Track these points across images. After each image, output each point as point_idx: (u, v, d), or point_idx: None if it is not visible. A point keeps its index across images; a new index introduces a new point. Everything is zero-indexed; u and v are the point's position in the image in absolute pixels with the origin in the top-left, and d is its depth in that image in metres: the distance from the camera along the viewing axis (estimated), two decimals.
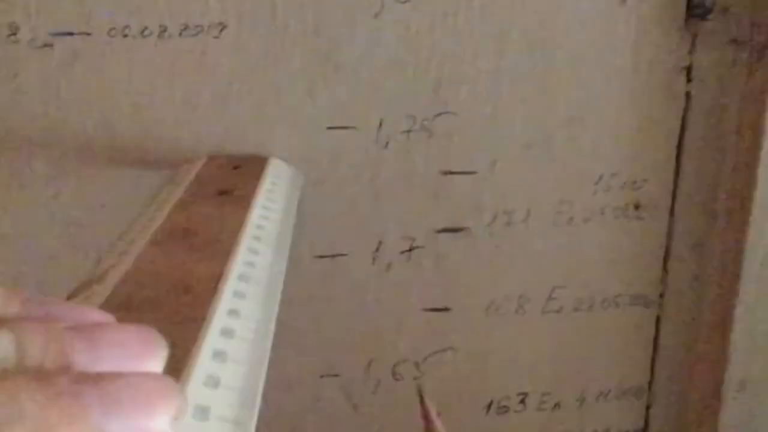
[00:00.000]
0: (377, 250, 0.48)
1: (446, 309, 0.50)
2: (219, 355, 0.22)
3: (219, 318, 0.24)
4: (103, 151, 0.43)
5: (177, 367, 0.20)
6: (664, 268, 0.51)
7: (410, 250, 0.48)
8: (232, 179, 0.39)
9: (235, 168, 0.41)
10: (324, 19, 0.43)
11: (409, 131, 0.46)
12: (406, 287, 0.49)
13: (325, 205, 0.47)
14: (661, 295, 0.51)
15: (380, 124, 0.46)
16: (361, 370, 0.50)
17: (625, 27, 0.46)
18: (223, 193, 0.36)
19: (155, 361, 0.18)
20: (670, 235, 0.51)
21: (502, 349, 0.51)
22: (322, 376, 0.50)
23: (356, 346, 0.50)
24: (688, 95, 0.48)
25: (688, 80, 0.48)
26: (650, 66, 0.47)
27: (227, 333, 0.23)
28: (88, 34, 0.42)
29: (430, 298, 0.50)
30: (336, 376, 0.50)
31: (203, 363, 0.21)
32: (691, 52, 0.47)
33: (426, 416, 0.42)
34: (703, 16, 0.46)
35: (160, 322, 0.22)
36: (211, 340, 0.22)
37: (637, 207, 0.50)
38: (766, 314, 0.49)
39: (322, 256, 0.47)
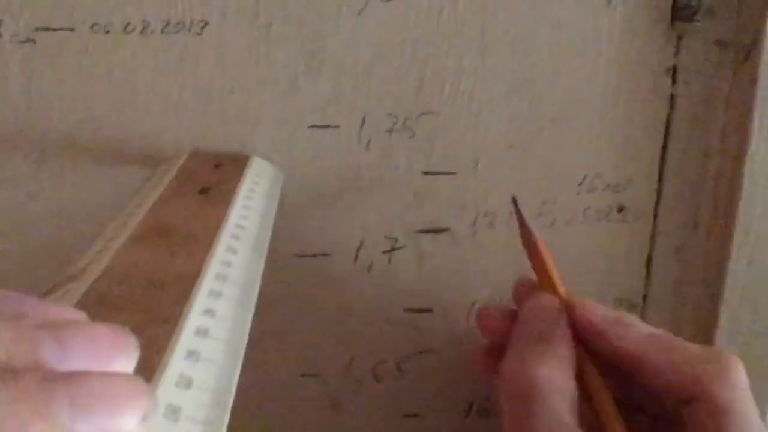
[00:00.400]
0: (359, 249, 0.48)
1: (428, 310, 0.50)
2: (192, 355, 0.21)
3: (194, 317, 0.23)
4: (84, 147, 0.43)
5: (149, 366, 0.20)
6: (647, 271, 0.51)
7: (392, 250, 0.48)
8: (213, 177, 0.39)
9: (217, 166, 0.41)
10: (307, 16, 0.43)
11: (391, 130, 0.46)
12: (388, 287, 0.49)
13: (306, 204, 0.46)
14: (644, 299, 0.51)
15: (362, 123, 0.45)
16: (341, 369, 0.50)
17: (610, 27, 0.46)
18: (203, 191, 0.36)
19: (126, 361, 0.18)
20: (653, 237, 0.51)
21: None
22: (302, 376, 0.50)
23: (337, 345, 0.50)
24: (672, 97, 0.48)
25: (673, 82, 0.48)
26: (635, 67, 0.47)
27: (201, 332, 0.23)
28: (71, 30, 0.41)
29: (412, 298, 0.50)
30: (316, 375, 0.50)
31: (176, 362, 0.21)
32: (676, 53, 0.47)
33: (522, 222, 0.44)
34: (688, 18, 0.46)
35: (135, 320, 0.22)
36: (185, 339, 0.22)
37: (620, 209, 0.50)
38: (749, 319, 0.49)
39: (303, 256, 0.47)
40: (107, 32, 0.41)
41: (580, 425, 0.35)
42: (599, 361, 0.39)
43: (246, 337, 0.24)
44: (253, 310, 0.26)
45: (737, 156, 0.47)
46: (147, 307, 0.24)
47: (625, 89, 0.47)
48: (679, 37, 0.47)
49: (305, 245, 0.47)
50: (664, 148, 0.49)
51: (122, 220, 0.31)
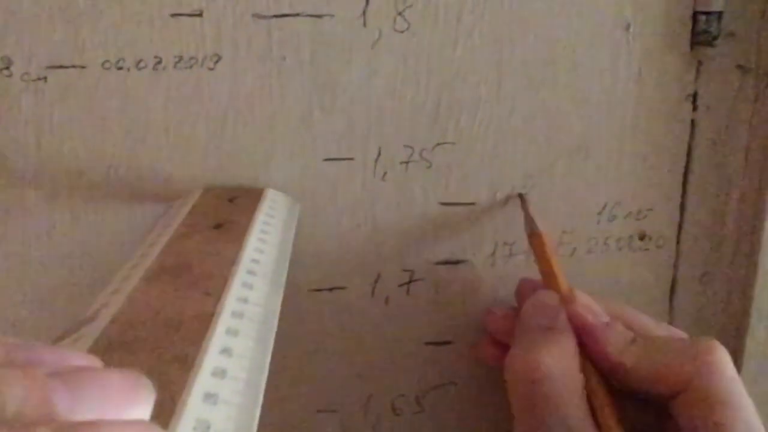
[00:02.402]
0: (376, 282, 0.47)
1: (447, 342, 0.49)
2: (210, 398, 0.21)
3: (210, 357, 0.23)
4: (97, 184, 0.42)
5: (165, 411, 0.19)
6: (671, 301, 0.50)
7: (409, 282, 0.47)
8: (228, 212, 0.38)
9: (231, 200, 0.40)
10: (320, 49, 0.43)
11: (407, 162, 0.45)
12: (406, 320, 0.48)
13: (322, 237, 0.46)
14: None
15: (378, 155, 0.45)
16: (360, 405, 0.49)
17: (629, 53, 0.46)
18: (218, 226, 0.35)
19: (141, 407, 0.17)
20: (676, 265, 0.50)
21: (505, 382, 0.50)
22: (319, 412, 0.49)
23: (355, 380, 0.49)
24: (693, 123, 0.47)
25: (694, 108, 0.47)
26: (654, 93, 0.46)
27: (219, 373, 0.22)
28: (83, 67, 0.41)
29: (431, 331, 0.49)
30: (334, 411, 0.49)
31: (193, 406, 0.20)
32: (696, 78, 0.47)
33: (527, 215, 0.45)
34: (708, 43, 0.46)
35: (150, 363, 0.21)
36: (202, 381, 0.21)
37: (642, 237, 0.49)
38: None
39: (319, 290, 0.47)
40: (119, 69, 0.41)
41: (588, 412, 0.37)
42: (592, 357, 0.40)
43: (265, 374, 0.23)
44: (271, 346, 0.26)
45: (760, 181, 0.46)
46: (162, 350, 0.23)
47: (644, 116, 0.47)
48: (700, 63, 0.46)
49: (321, 279, 0.46)
50: (686, 174, 0.48)
51: (136, 260, 0.31)
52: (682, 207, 0.49)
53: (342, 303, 0.47)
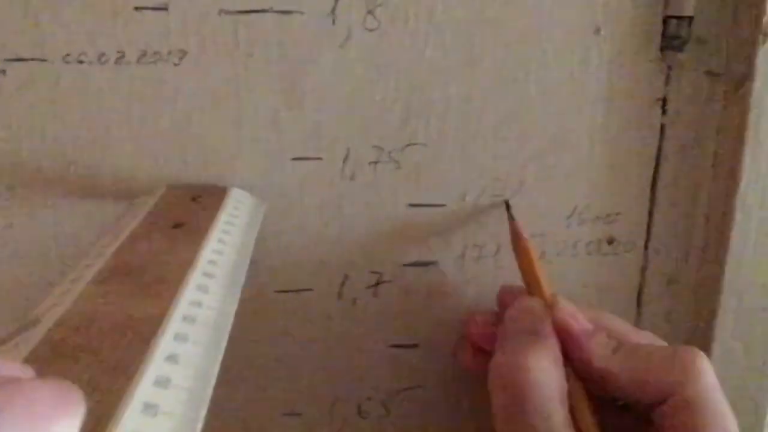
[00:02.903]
0: (343, 284, 0.47)
1: (415, 345, 0.49)
2: (150, 408, 0.20)
3: (154, 365, 0.22)
4: (56, 181, 0.42)
5: (101, 423, 0.18)
6: (639, 304, 0.50)
7: (377, 284, 0.47)
8: (189, 211, 0.37)
9: (194, 199, 0.40)
10: (288, 47, 0.42)
11: (376, 162, 0.45)
12: (373, 323, 0.48)
13: (288, 238, 0.45)
14: None
15: (346, 155, 0.44)
16: (325, 408, 0.49)
17: (599, 57, 0.45)
18: (177, 226, 0.35)
19: (70, 421, 0.16)
20: (644, 270, 0.49)
21: (472, 386, 0.50)
22: (284, 415, 0.48)
23: (320, 383, 0.48)
24: (662, 128, 0.47)
25: (663, 112, 0.47)
26: (624, 97, 0.46)
27: (162, 382, 0.21)
28: (43, 60, 0.40)
29: (398, 333, 0.48)
30: (299, 415, 0.49)
31: (131, 418, 0.19)
32: (666, 83, 0.46)
33: (516, 233, 0.45)
34: (678, 47, 0.45)
35: (90, 371, 0.21)
36: (143, 390, 0.21)
37: (610, 242, 0.49)
38: (742, 352, 0.48)
39: (285, 291, 0.46)
40: (80, 63, 0.40)
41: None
42: (575, 364, 0.40)
43: (212, 383, 0.23)
44: (222, 352, 0.25)
45: (729, 187, 0.46)
46: (104, 356, 0.22)
47: (614, 120, 0.46)
48: (669, 67, 0.46)
49: (287, 280, 0.46)
50: (655, 179, 0.48)
51: (89, 260, 0.30)
52: (651, 212, 0.48)
53: (308, 305, 0.47)
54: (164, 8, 0.40)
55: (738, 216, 0.46)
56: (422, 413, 0.50)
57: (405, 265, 0.47)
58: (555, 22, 0.44)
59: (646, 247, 0.49)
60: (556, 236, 0.48)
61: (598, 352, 0.39)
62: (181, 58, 0.41)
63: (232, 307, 0.28)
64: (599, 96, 0.46)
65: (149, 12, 0.40)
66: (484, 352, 0.44)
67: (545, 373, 0.37)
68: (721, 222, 0.47)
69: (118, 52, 0.40)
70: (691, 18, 0.45)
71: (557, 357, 0.39)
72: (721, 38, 0.46)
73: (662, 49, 0.46)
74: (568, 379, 0.39)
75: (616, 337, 0.40)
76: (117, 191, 0.42)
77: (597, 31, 0.45)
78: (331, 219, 0.45)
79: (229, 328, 0.27)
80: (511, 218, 0.46)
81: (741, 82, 0.45)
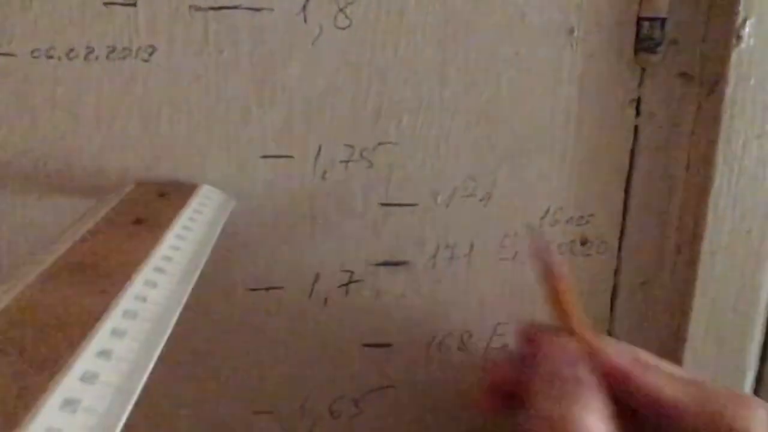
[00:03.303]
0: (314, 283, 0.47)
1: (386, 345, 0.49)
2: (70, 404, 0.20)
3: (84, 360, 0.22)
4: (24, 177, 0.42)
5: (16, 416, 0.18)
6: (612, 306, 0.50)
7: (348, 283, 0.47)
8: (154, 207, 0.37)
9: (162, 195, 0.40)
10: (259, 44, 0.42)
11: (347, 161, 0.45)
12: (345, 322, 0.48)
13: (259, 236, 0.45)
14: (609, 333, 0.50)
15: (318, 154, 0.44)
16: (297, 407, 0.49)
17: (572, 58, 0.45)
18: (138, 222, 0.35)
19: None
20: (617, 271, 0.49)
21: (444, 386, 0.50)
22: (255, 413, 0.48)
23: (292, 382, 0.48)
24: (636, 129, 0.47)
25: (637, 113, 0.47)
26: (598, 98, 0.46)
27: (89, 378, 0.21)
28: (11, 56, 0.40)
29: (370, 333, 0.48)
30: (270, 413, 0.48)
31: (47, 413, 0.19)
32: (640, 85, 0.46)
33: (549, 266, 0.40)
34: (652, 49, 0.45)
35: (16, 367, 0.21)
36: (67, 386, 0.20)
37: (584, 243, 0.48)
38: (714, 354, 0.48)
39: (256, 289, 0.46)
40: (49, 58, 0.40)
41: None
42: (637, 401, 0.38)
43: (143, 378, 0.23)
44: (160, 347, 0.25)
45: (702, 189, 0.46)
46: (34, 352, 0.22)
47: (587, 121, 0.46)
48: (643, 69, 0.46)
49: (258, 278, 0.46)
50: (628, 180, 0.48)
51: (41, 256, 0.30)
52: (624, 213, 0.48)
53: (279, 303, 0.47)
54: (133, 4, 0.40)
55: (711, 217, 0.46)
56: (394, 412, 0.50)
57: (377, 264, 0.47)
58: (528, 23, 0.44)
59: (619, 248, 0.49)
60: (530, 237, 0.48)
61: (668, 383, 0.37)
62: (150, 54, 0.41)
63: (180, 302, 0.28)
64: (572, 97, 0.46)
65: (118, 7, 0.40)
66: (505, 395, 0.41)
67: (595, 426, 0.35)
68: (694, 223, 0.47)
69: (87, 47, 0.40)
70: (664, 20, 0.45)
71: (604, 404, 0.36)
72: (695, 40, 0.46)
73: (636, 50, 0.45)
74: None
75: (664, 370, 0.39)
76: (86, 187, 0.42)
77: (570, 31, 0.45)
78: (302, 217, 0.45)
79: (173, 322, 0.27)
80: (543, 248, 0.42)
81: (714, 83, 0.45)
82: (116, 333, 0.24)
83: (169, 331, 0.26)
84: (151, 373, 0.45)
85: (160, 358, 0.45)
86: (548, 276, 0.40)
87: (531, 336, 0.41)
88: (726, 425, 0.35)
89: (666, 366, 0.39)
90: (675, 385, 0.37)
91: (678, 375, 0.38)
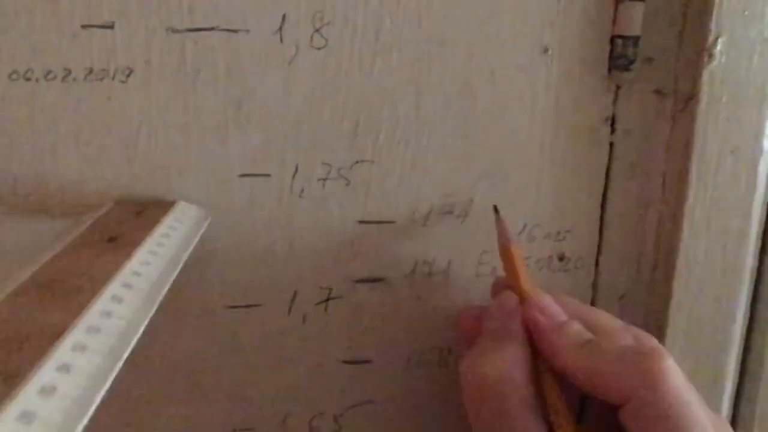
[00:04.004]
0: (293, 300, 0.47)
1: (366, 361, 0.49)
2: (26, 416, 0.20)
3: (42, 374, 0.22)
4: (4, 197, 0.42)
5: None
6: None
7: (327, 300, 0.47)
8: (130, 225, 0.38)
9: (138, 213, 0.40)
10: (236, 64, 0.42)
11: (325, 179, 0.45)
12: (324, 339, 0.48)
13: (237, 254, 0.45)
14: None
15: (295, 172, 0.45)
16: (276, 424, 0.49)
17: (547, 76, 0.46)
18: (111, 239, 0.35)
19: None
20: (595, 286, 0.50)
21: (424, 401, 0.50)
22: (235, 431, 0.48)
23: (271, 399, 0.48)
24: (611, 146, 0.48)
25: (612, 131, 0.47)
26: (573, 115, 0.47)
27: (47, 391, 0.22)
28: None
29: (349, 349, 0.48)
30: (250, 430, 0.49)
31: (4, 425, 0.20)
32: (614, 102, 0.47)
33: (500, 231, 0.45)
34: (625, 67, 0.46)
35: None
36: (24, 399, 0.21)
37: (561, 258, 0.49)
38: (691, 368, 0.48)
39: (234, 307, 0.46)
40: (27, 80, 0.40)
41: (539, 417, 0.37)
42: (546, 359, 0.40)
43: (102, 391, 0.23)
44: (122, 360, 0.25)
45: (677, 204, 0.47)
46: None
47: (563, 138, 0.47)
48: (618, 86, 0.47)
49: (237, 296, 0.46)
50: (604, 196, 0.48)
51: (15, 274, 0.30)
52: (601, 229, 0.49)
53: (258, 320, 0.47)
54: (111, 26, 0.41)
55: (686, 232, 0.47)
56: (374, 428, 0.50)
57: (355, 281, 0.47)
58: (503, 41, 0.45)
59: (597, 263, 0.49)
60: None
61: (565, 346, 0.38)
62: (128, 76, 0.42)
63: (146, 317, 0.28)
64: (548, 114, 0.46)
65: (96, 30, 0.41)
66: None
67: (504, 377, 0.37)
68: (669, 239, 0.47)
69: (65, 69, 0.41)
70: (638, 38, 0.45)
71: (520, 358, 0.39)
72: (668, 58, 0.46)
73: (610, 68, 0.46)
74: (541, 376, 0.39)
75: (595, 333, 0.40)
76: (65, 208, 0.42)
77: (545, 50, 0.45)
78: (280, 235, 0.46)
79: (136, 336, 0.27)
80: (498, 219, 0.46)
81: (688, 100, 0.46)
82: (77, 347, 0.24)
83: (133, 344, 0.26)
84: (131, 391, 0.45)
85: (139, 376, 0.45)
86: (506, 247, 0.44)
87: (495, 291, 0.45)
88: (624, 396, 0.35)
89: (580, 331, 0.40)
90: (572, 353, 0.38)
91: (585, 341, 0.39)
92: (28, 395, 0.21)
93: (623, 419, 0.35)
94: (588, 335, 0.39)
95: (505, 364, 0.38)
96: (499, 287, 0.45)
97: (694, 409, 0.35)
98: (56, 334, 0.24)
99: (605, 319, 0.42)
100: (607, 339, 0.39)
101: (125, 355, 0.25)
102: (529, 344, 0.40)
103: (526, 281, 0.43)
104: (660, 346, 0.38)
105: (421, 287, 0.48)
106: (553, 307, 0.41)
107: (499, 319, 0.41)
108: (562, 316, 0.40)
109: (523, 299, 0.41)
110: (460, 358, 0.42)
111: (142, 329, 0.27)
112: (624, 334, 0.40)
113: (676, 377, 0.35)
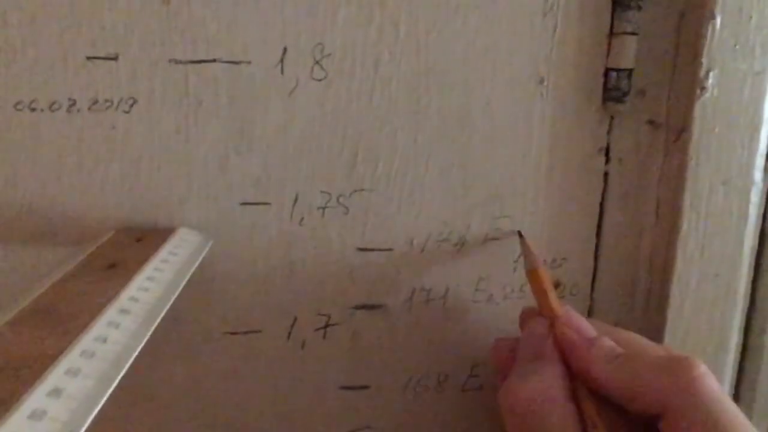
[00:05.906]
0: (292, 326, 0.48)
1: (364, 387, 0.49)
2: None
3: (33, 399, 0.23)
4: (8, 227, 0.43)
5: None
6: None
7: (326, 326, 0.48)
8: (130, 251, 0.39)
9: (139, 240, 0.41)
10: (237, 95, 0.43)
11: (324, 207, 0.46)
12: (322, 365, 0.48)
13: (237, 280, 0.46)
14: None
15: (295, 200, 0.46)
16: None
17: (542, 107, 0.47)
18: (111, 266, 0.36)
19: None
20: (590, 314, 0.50)
21: (421, 427, 0.50)
22: None
23: (271, 425, 0.49)
24: (606, 175, 0.48)
25: (606, 160, 0.48)
26: (568, 145, 0.47)
27: (37, 415, 0.22)
28: None
29: (347, 375, 0.49)
30: None
31: None
32: (608, 132, 0.48)
33: (529, 256, 0.46)
34: (619, 99, 0.47)
35: None
36: (14, 424, 0.22)
37: (557, 286, 0.49)
38: None
39: (234, 333, 0.47)
40: (32, 110, 0.41)
41: None
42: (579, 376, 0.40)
43: (92, 414, 0.24)
44: (114, 384, 0.26)
45: (670, 233, 0.47)
46: None
47: (558, 168, 0.47)
48: (612, 117, 0.47)
49: (236, 322, 0.47)
50: (599, 225, 0.49)
51: (15, 301, 0.31)
52: (596, 257, 0.49)
53: (257, 347, 0.48)
54: (115, 58, 0.42)
55: (679, 261, 0.47)
56: None
57: (354, 307, 0.48)
58: (499, 73, 0.46)
59: (592, 290, 0.50)
60: (503, 280, 0.49)
61: (597, 362, 0.39)
62: (131, 106, 0.43)
63: (140, 341, 0.29)
64: (543, 144, 0.47)
65: (100, 61, 0.42)
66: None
67: (544, 398, 0.38)
68: (663, 267, 0.48)
69: (69, 99, 0.42)
70: (631, 70, 0.46)
71: (557, 378, 0.39)
72: (661, 90, 0.47)
73: (604, 100, 0.47)
74: (578, 393, 0.39)
75: (626, 348, 0.40)
76: (68, 235, 0.43)
77: (541, 81, 0.46)
78: (279, 262, 0.46)
79: (129, 361, 0.28)
80: (523, 242, 0.47)
81: (680, 131, 0.46)
82: (70, 372, 0.25)
83: (126, 367, 0.27)
84: (129, 416, 0.46)
85: (140, 401, 0.46)
86: (532, 272, 0.45)
87: (523, 319, 0.45)
88: (646, 396, 0.36)
89: (612, 347, 0.40)
90: (605, 366, 0.39)
91: (616, 355, 0.39)
92: (18, 420, 0.22)
93: (663, 429, 0.36)
94: (620, 349, 0.40)
95: (543, 385, 0.39)
96: (527, 316, 0.45)
97: (734, 413, 0.35)
98: (50, 359, 0.25)
99: (635, 336, 0.43)
100: (639, 352, 0.40)
101: (118, 378, 0.26)
102: (563, 362, 0.41)
103: (555, 300, 0.44)
104: (692, 356, 0.38)
105: (418, 313, 0.49)
106: (584, 323, 0.42)
107: (532, 345, 0.42)
108: (593, 332, 0.41)
109: (553, 318, 0.42)
110: (496, 389, 0.43)
111: (136, 351, 0.28)
112: (655, 348, 0.42)
113: (712, 383, 0.36)
